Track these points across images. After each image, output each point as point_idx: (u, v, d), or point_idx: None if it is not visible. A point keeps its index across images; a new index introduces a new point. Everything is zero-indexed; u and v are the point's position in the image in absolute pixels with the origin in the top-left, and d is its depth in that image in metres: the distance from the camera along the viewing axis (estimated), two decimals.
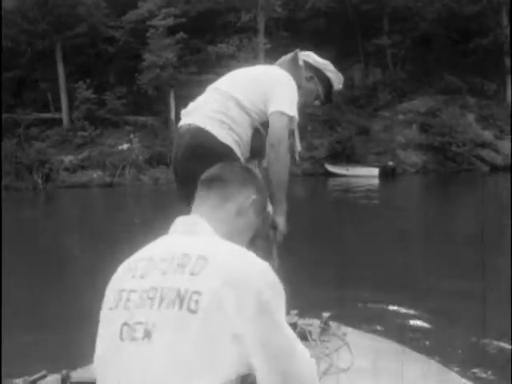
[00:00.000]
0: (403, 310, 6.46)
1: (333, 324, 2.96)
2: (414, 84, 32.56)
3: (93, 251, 10.96)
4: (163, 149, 27.46)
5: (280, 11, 31.13)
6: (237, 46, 30.36)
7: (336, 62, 3.03)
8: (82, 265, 10.25)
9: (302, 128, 3.02)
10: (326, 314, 2.95)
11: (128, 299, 1.40)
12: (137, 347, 1.33)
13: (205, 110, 2.65)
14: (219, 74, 3.00)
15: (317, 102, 3.00)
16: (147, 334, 1.33)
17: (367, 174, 27.47)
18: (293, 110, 2.60)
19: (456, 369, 3.79)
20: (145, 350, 1.32)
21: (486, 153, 29.61)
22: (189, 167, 2.56)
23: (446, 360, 4.62)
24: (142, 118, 31.22)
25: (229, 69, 3.07)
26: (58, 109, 31.91)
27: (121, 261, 1.56)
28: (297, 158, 2.86)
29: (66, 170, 28.20)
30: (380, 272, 8.27)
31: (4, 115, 28.87)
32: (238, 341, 1.28)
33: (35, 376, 2.54)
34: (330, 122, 30.47)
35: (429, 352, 4.76)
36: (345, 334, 2.86)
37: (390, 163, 28.53)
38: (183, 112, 2.75)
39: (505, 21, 31.56)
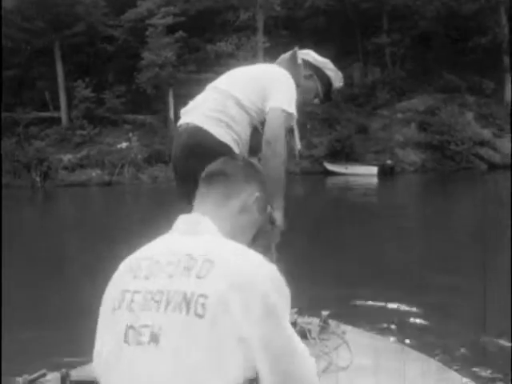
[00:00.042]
0: (402, 308, 6.46)
1: (332, 322, 2.96)
2: (413, 82, 32.54)
3: (91, 249, 10.95)
4: (162, 147, 27.43)
5: (279, 10, 31.10)
6: (236, 45, 30.34)
7: (335, 61, 3.02)
8: (80, 263, 10.25)
9: (302, 126, 3.02)
10: (325, 313, 2.96)
11: (132, 300, 1.38)
12: (143, 351, 1.32)
13: (203, 109, 2.65)
14: (218, 73, 3.00)
15: (316, 101, 3.00)
16: (154, 338, 1.31)
17: (366, 173, 27.47)
18: (291, 107, 2.60)
19: (455, 367, 3.79)
20: (151, 354, 1.31)
21: (484, 151, 29.61)
22: (188, 166, 2.58)
23: (446, 358, 4.63)
24: (140, 117, 31.19)
25: (228, 67, 3.07)
26: (57, 108, 31.90)
27: (119, 258, 1.55)
28: (296, 156, 2.87)
29: (65, 168, 28.18)
30: (379, 270, 8.28)
31: (3, 114, 28.84)
32: (244, 344, 1.27)
33: (35, 375, 2.55)
34: (329, 121, 30.46)
35: (428, 350, 4.77)
36: (344, 333, 2.87)
37: (389, 162, 28.52)
38: (182, 111, 2.76)
39: (503, 19, 31.57)
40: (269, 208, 1.70)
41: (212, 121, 2.60)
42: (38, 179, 27.37)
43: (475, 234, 9.02)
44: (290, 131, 2.78)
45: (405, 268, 8.53)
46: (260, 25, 31.42)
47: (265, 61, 3.47)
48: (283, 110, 2.57)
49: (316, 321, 2.92)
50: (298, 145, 2.87)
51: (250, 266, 1.35)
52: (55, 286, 8.27)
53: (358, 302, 6.64)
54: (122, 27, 32.01)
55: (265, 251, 2.10)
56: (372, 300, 6.70)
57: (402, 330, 5.41)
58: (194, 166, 2.51)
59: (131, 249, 1.55)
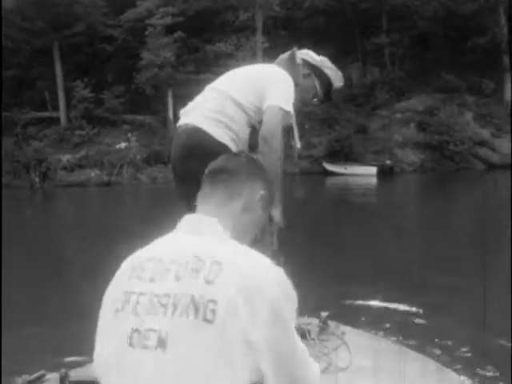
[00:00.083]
0: (401, 308, 6.46)
1: (331, 323, 2.96)
2: (412, 83, 32.57)
3: (90, 249, 10.95)
4: (161, 148, 27.46)
5: (278, 10, 31.12)
6: (235, 45, 30.36)
7: (334, 61, 3.02)
8: (80, 262, 10.25)
9: (300, 126, 3.02)
10: (324, 314, 2.95)
11: (137, 302, 1.36)
12: (149, 356, 1.31)
13: (202, 110, 2.66)
14: (217, 73, 3.01)
15: (315, 101, 2.99)
16: (161, 343, 1.30)
17: (365, 173, 27.49)
18: (288, 106, 2.60)
19: (455, 367, 3.79)
20: (158, 359, 1.30)
21: (483, 151, 29.64)
22: (187, 166, 2.59)
23: (445, 358, 4.63)
24: (139, 117, 31.20)
25: (227, 68, 3.08)
26: (56, 108, 31.90)
27: (118, 258, 1.54)
28: (296, 156, 2.87)
29: (64, 168, 28.18)
30: (378, 270, 8.28)
31: (2, 114, 28.83)
32: (251, 347, 1.26)
33: (34, 375, 2.54)
34: (328, 121, 30.48)
35: (428, 350, 4.76)
36: (343, 333, 2.86)
37: (388, 162, 28.55)
38: (182, 111, 2.77)
39: (502, 19, 31.60)
40: None
41: (211, 121, 2.61)
42: (37, 179, 27.36)
43: (474, 234, 9.04)
44: (288, 131, 2.79)
45: (404, 268, 8.53)
46: (259, 25, 31.43)
47: (264, 61, 3.47)
48: (280, 108, 2.57)
49: (315, 321, 2.92)
50: (298, 144, 2.88)
51: (258, 270, 1.34)
52: (55, 285, 8.27)
53: (358, 302, 6.65)
54: (121, 27, 32.02)
55: (264, 249, 2.10)
56: (371, 300, 6.70)
57: (402, 330, 5.41)
58: (193, 166, 2.52)
59: (130, 249, 1.55)
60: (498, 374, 4.44)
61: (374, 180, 26.65)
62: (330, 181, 26.49)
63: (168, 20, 30.07)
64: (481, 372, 4.43)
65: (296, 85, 2.74)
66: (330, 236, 11.84)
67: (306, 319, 2.94)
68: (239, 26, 31.21)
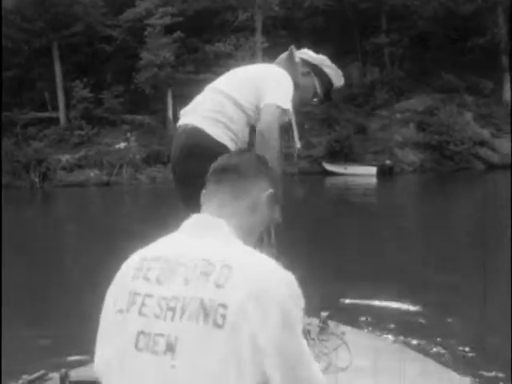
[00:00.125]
0: (401, 307, 6.47)
1: (331, 323, 2.96)
2: (412, 83, 32.57)
3: (90, 249, 10.96)
4: (160, 147, 27.45)
5: (277, 10, 31.10)
6: (234, 45, 30.34)
7: (334, 61, 3.01)
8: (80, 262, 10.26)
9: (300, 126, 3.01)
10: (324, 314, 2.95)
11: (143, 304, 1.34)
12: (158, 361, 1.29)
13: (201, 110, 2.67)
14: (217, 73, 3.01)
15: (315, 101, 2.98)
16: (170, 348, 1.28)
17: (365, 173, 27.49)
18: (286, 104, 2.59)
19: (455, 367, 3.79)
20: (167, 364, 1.28)
21: (483, 151, 29.64)
22: (186, 167, 2.60)
23: (445, 358, 4.63)
24: (139, 117, 31.19)
25: (227, 68, 3.08)
26: (55, 108, 31.88)
27: (118, 258, 1.53)
28: (295, 156, 2.86)
29: (63, 169, 28.18)
30: (378, 269, 8.28)
31: (2, 114, 28.83)
32: (260, 351, 1.25)
33: (34, 375, 2.54)
34: (327, 121, 30.48)
35: (428, 350, 4.77)
36: (343, 333, 2.86)
37: (388, 162, 28.55)
38: (182, 112, 2.77)
39: (501, 20, 31.61)
40: None
41: (210, 121, 2.61)
42: (36, 180, 27.36)
43: (474, 234, 9.05)
44: (288, 131, 2.78)
45: (404, 268, 8.53)
46: (258, 25, 31.43)
47: (263, 61, 3.47)
48: (278, 106, 2.56)
49: (315, 321, 2.92)
50: (298, 144, 2.87)
51: (268, 274, 1.32)
52: (54, 285, 8.28)
53: (358, 302, 6.65)
54: (120, 27, 32.00)
55: (263, 248, 2.10)
56: (371, 300, 6.70)
57: (402, 329, 5.41)
58: (193, 166, 2.53)
59: (130, 248, 1.53)
60: (498, 373, 4.44)
61: (374, 180, 26.66)
62: (329, 181, 26.49)
63: (167, 20, 30.07)
64: (481, 372, 4.43)
65: (295, 84, 2.74)
66: (330, 236, 11.85)
67: (306, 319, 2.94)
68: (238, 25, 31.19)
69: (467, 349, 4.99)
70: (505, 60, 31.57)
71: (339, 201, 19.78)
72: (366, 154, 29.56)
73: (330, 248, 10.37)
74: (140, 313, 1.33)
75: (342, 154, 29.04)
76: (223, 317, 1.25)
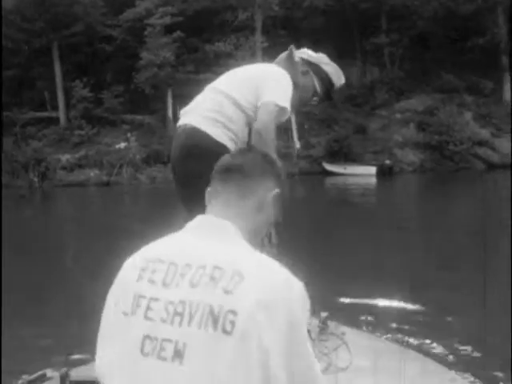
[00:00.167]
0: (401, 307, 6.47)
1: (331, 323, 2.95)
2: (412, 83, 32.57)
3: (90, 249, 10.96)
4: (160, 147, 27.44)
5: (277, 9, 31.09)
6: (234, 45, 30.34)
7: (333, 61, 3.00)
8: (80, 262, 10.26)
9: (300, 126, 3.01)
10: (324, 314, 2.95)
11: (149, 308, 1.31)
12: (166, 366, 1.27)
13: (200, 110, 2.67)
14: (217, 73, 3.01)
15: (315, 100, 2.97)
16: (178, 354, 1.26)
17: (364, 173, 27.49)
18: (284, 102, 2.58)
19: (455, 367, 3.80)
20: (176, 370, 1.26)
21: (483, 151, 29.65)
22: (186, 167, 2.60)
23: (445, 358, 4.63)
24: (139, 117, 31.18)
25: (226, 67, 3.08)
26: (55, 107, 31.88)
27: (118, 258, 1.52)
28: (295, 156, 2.85)
29: (63, 168, 28.17)
30: (378, 269, 8.28)
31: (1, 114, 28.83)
32: (268, 359, 1.23)
33: (35, 375, 2.54)
34: (327, 121, 30.48)
35: (427, 350, 4.76)
36: (343, 334, 2.86)
37: (388, 162, 28.54)
38: (182, 112, 2.77)
39: (501, 20, 31.61)
40: None
41: (209, 121, 2.61)
42: (36, 179, 27.35)
43: (474, 234, 9.02)
44: (286, 131, 2.78)
45: (403, 267, 8.53)
46: (258, 25, 31.43)
47: (263, 61, 3.46)
48: (276, 105, 2.56)
49: (315, 321, 2.91)
50: (297, 144, 2.87)
51: (278, 281, 1.29)
52: (54, 285, 8.28)
53: (357, 302, 6.65)
54: (120, 27, 32.00)
55: (261, 244, 2.09)
56: (371, 299, 6.70)
57: (402, 329, 5.41)
58: (192, 166, 2.53)
59: (130, 248, 1.52)
60: (498, 373, 4.44)
61: (374, 180, 26.66)
62: (329, 181, 26.49)
63: (167, 20, 30.06)
64: (481, 372, 4.42)
65: (295, 84, 2.74)
66: (330, 236, 11.84)
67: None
68: (238, 25, 31.19)
69: (467, 348, 4.99)
70: (505, 60, 31.57)
71: (339, 201, 19.79)
72: (366, 154, 29.56)
73: (330, 247, 10.37)
74: (146, 316, 1.31)
75: (342, 154, 29.04)
76: (232, 323, 1.23)
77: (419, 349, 4.48)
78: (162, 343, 1.28)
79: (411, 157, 29.72)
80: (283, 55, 2.92)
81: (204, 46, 31.19)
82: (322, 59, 2.91)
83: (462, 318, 5.70)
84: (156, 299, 1.31)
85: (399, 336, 5.21)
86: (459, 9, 31.07)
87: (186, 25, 29.99)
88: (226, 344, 1.23)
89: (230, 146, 2.59)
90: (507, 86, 31.85)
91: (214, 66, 25.57)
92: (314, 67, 2.88)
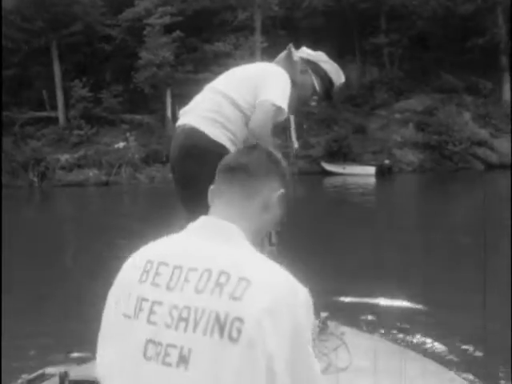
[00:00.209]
0: (401, 307, 6.47)
1: (331, 323, 2.95)
2: (411, 83, 32.58)
3: (89, 249, 10.96)
4: (159, 147, 27.44)
5: (277, 9, 31.11)
6: (233, 45, 30.33)
7: (333, 60, 2.99)
8: (79, 261, 10.26)
9: (299, 126, 3.00)
10: (323, 314, 2.95)
11: (152, 311, 1.29)
12: (170, 372, 1.25)
13: (200, 110, 2.67)
14: (216, 73, 3.00)
15: (314, 100, 2.96)
16: (183, 360, 1.24)
17: (364, 173, 27.50)
18: (281, 102, 2.57)
19: (455, 367, 3.79)
20: (180, 376, 1.24)
21: (482, 151, 29.66)
22: (185, 167, 2.61)
23: (445, 358, 4.63)
24: (138, 117, 31.17)
25: (226, 67, 3.07)
26: (54, 107, 31.84)
27: (117, 257, 1.52)
28: (293, 155, 2.84)
29: (63, 168, 28.15)
30: (377, 269, 8.29)
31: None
32: (272, 366, 1.22)
33: (34, 374, 2.54)
34: (326, 121, 30.48)
35: (427, 350, 4.76)
36: (343, 334, 2.86)
37: (387, 162, 28.55)
38: (181, 112, 2.77)
39: (500, 20, 31.62)
40: None
41: (207, 121, 2.61)
42: (35, 179, 27.34)
43: (474, 234, 9.00)
44: (284, 130, 2.78)
45: (403, 267, 8.54)
46: (258, 25, 31.44)
47: (262, 60, 3.45)
48: (273, 104, 2.55)
49: (315, 322, 2.91)
50: (296, 144, 2.87)
51: (283, 287, 1.27)
52: (54, 284, 8.27)
53: (357, 301, 6.65)
54: (119, 27, 31.98)
55: (262, 243, 2.09)
56: (371, 299, 6.70)
57: (402, 329, 5.41)
58: (191, 167, 2.53)
59: (130, 247, 1.52)
60: (498, 373, 4.44)
61: (373, 180, 26.67)
62: (328, 181, 26.49)
63: (166, 19, 30.05)
64: (481, 371, 4.42)
65: (294, 83, 2.73)
66: (329, 236, 11.84)
67: None
68: (238, 25, 31.20)
69: (468, 348, 4.99)
70: (504, 60, 31.60)
71: (338, 201, 19.79)
72: (365, 154, 29.57)
73: (329, 247, 10.37)
74: (149, 320, 1.29)
75: (341, 153, 29.05)
76: (239, 331, 1.22)
77: (419, 349, 4.48)
78: (166, 348, 1.26)
79: (410, 157, 29.74)
80: (282, 55, 2.92)
81: (203, 46, 31.18)
82: (320, 57, 2.90)
83: (463, 317, 5.70)
84: (159, 303, 1.30)
85: (399, 336, 5.21)
86: (458, 9, 31.09)
87: (186, 24, 29.97)
88: (232, 351, 1.21)
89: (229, 146, 2.59)
90: (506, 86, 31.86)
91: (213, 65, 25.56)
92: (313, 65, 2.87)
